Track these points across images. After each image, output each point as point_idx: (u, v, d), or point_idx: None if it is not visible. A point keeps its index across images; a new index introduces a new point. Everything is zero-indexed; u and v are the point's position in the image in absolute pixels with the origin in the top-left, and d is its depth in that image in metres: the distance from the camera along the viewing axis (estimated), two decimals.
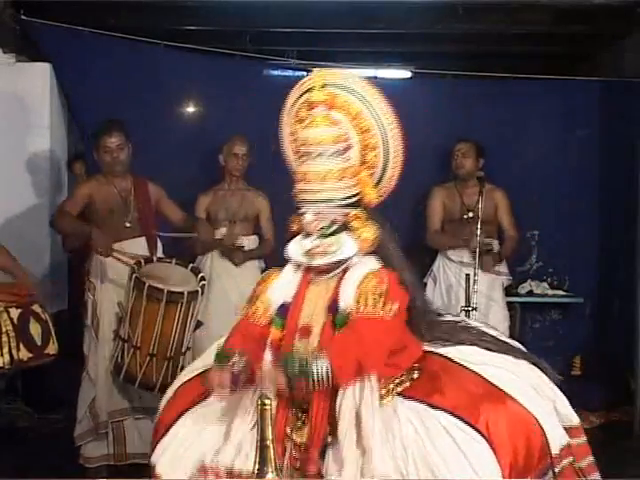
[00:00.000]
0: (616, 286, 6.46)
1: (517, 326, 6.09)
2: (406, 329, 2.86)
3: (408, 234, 6.06)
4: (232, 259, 5.49)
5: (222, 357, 2.77)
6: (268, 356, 2.77)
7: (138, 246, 5.02)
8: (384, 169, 2.90)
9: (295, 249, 2.86)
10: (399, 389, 2.80)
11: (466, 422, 2.67)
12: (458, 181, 5.77)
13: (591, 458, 2.98)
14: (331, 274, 2.83)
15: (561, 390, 2.97)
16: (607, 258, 6.60)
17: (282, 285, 2.89)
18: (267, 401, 2.41)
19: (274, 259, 5.44)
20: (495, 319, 5.67)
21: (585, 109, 6.61)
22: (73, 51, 6.13)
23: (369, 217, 2.84)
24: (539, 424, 2.76)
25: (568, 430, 2.92)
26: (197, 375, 3.07)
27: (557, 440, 2.81)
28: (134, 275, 4.64)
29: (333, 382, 2.61)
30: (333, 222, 2.79)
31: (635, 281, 5.96)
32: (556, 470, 2.79)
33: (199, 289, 4.74)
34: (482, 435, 2.65)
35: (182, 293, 4.65)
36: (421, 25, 6.47)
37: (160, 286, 4.63)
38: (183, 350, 4.75)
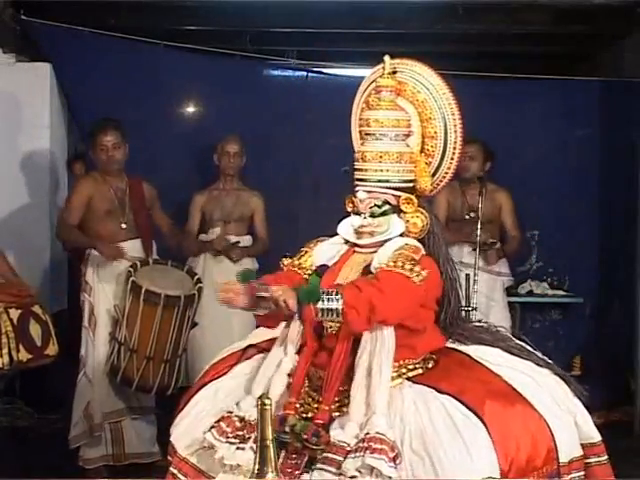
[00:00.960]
0: (616, 286, 6.46)
1: (517, 326, 6.09)
2: (431, 314, 2.87)
3: None
4: (229, 256, 5.48)
5: (246, 275, 2.71)
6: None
7: (133, 247, 5.02)
8: (441, 160, 2.93)
9: (345, 226, 2.89)
10: (410, 374, 2.80)
11: (469, 407, 2.65)
12: (462, 181, 5.76)
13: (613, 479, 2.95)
14: (375, 248, 2.84)
15: (585, 406, 2.95)
16: (607, 258, 6.60)
17: (329, 248, 2.91)
18: (267, 401, 2.41)
19: (268, 259, 5.46)
20: (496, 320, 5.62)
21: (585, 109, 6.60)
22: (73, 51, 6.13)
23: (421, 205, 2.86)
24: (549, 428, 2.73)
25: (587, 447, 2.89)
26: (229, 354, 3.09)
27: (568, 449, 2.77)
28: (131, 279, 4.64)
29: (343, 318, 2.60)
30: (385, 202, 2.81)
31: (635, 281, 5.96)
32: None
33: (196, 292, 4.73)
34: (483, 422, 2.63)
35: (179, 297, 4.66)
36: (421, 25, 6.47)
37: (157, 290, 4.63)
38: (179, 352, 4.75)
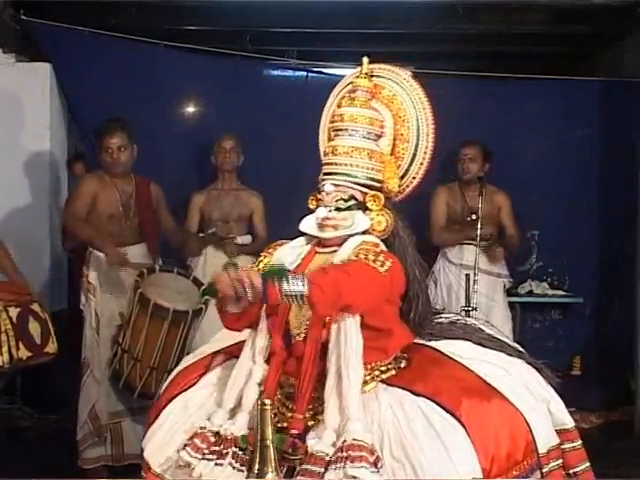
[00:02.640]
0: (616, 286, 6.47)
1: (517, 326, 6.09)
2: (396, 311, 2.85)
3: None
4: (225, 251, 5.49)
5: (210, 290, 2.64)
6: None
7: (138, 252, 5.01)
8: (410, 163, 2.92)
9: (308, 221, 2.86)
10: (384, 376, 2.78)
11: (445, 409, 2.64)
12: (462, 183, 5.76)
13: (587, 464, 2.94)
14: (336, 247, 2.82)
15: (558, 392, 2.95)
16: (607, 258, 6.60)
17: (289, 252, 2.88)
18: (267, 401, 2.41)
19: None
20: (497, 321, 5.66)
21: (585, 109, 6.60)
22: (73, 51, 6.13)
23: (387, 206, 2.84)
24: (526, 421, 2.72)
25: (561, 433, 2.88)
26: (195, 361, 3.06)
27: (545, 439, 2.77)
28: (139, 291, 4.60)
29: (308, 300, 2.53)
30: (351, 197, 2.80)
31: (635, 281, 5.96)
32: (544, 470, 2.75)
33: (203, 307, 4.68)
34: (460, 422, 2.62)
35: (187, 312, 4.63)
36: (421, 25, 6.47)
37: (166, 305, 4.59)
38: None
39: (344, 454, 2.53)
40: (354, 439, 2.55)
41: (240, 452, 2.69)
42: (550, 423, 2.83)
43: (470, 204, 5.63)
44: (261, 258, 2.92)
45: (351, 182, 2.80)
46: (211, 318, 4.74)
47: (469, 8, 6.14)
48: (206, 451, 2.70)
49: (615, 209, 6.47)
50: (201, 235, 5.56)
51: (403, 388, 2.73)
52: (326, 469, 2.54)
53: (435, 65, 6.80)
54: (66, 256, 6.30)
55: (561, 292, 6.68)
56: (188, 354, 4.68)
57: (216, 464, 2.67)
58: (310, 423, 2.71)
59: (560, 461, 2.84)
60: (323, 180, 2.85)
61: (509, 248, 5.76)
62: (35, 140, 6.18)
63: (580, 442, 2.91)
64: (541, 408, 2.83)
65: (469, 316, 4.95)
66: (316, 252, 2.88)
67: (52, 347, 4.46)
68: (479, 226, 5.18)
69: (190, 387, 2.95)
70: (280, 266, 2.59)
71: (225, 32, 6.67)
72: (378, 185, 2.84)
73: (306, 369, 2.69)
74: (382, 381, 2.77)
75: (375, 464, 2.53)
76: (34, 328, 4.40)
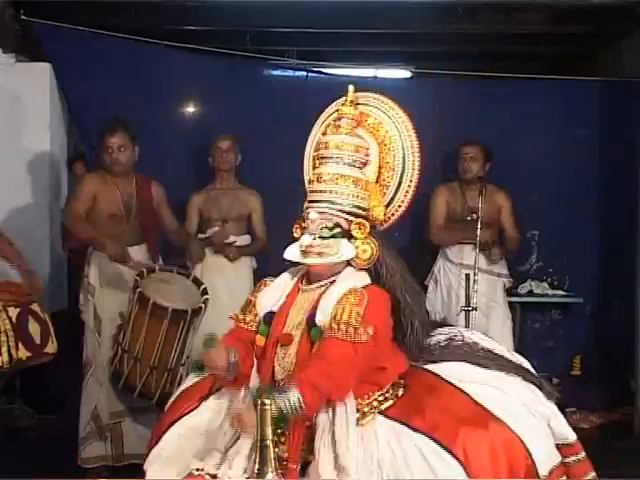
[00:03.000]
0: (616, 286, 6.46)
1: (517, 326, 6.09)
2: (389, 347, 2.85)
3: (410, 235, 6.08)
4: (226, 255, 5.49)
5: (210, 340, 2.72)
6: (243, 394, 2.75)
7: (138, 253, 5.00)
8: (396, 192, 2.91)
9: (292, 249, 2.85)
10: (382, 407, 2.79)
11: (443, 446, 2.66)
12: (462, 182, 5.76)
13: (593, 474, 2.95)
14: (321, 282, 2.82)
15: (559, 407, 2.95)
16: (607, 258, 6.59)
17: (272, 292, 2.89)
18: (267, 401, 2.41)
19: (266, 258, 5.46)
20: (497, 321, 5.69)
21: (585, 109, 6.60)
22: (73, 51, 6.13)
23: (372, 234, 2.83)
24: (525, 446, 2.73)
25: (564, 448, 2.89)
26: (197, 382, 3.07)
27: (546, 461, 2.78)
28: (138, 290, 4.60)
29: (303, 413, 2.60)
30: (336, 225, 2.79)
31: (635, 281, 5.96)
32: None
33: (202, 305, 4.69)
34: (458, 460, 2.64)
35: (186, 311, 4.63)
36: (421, 25, 6.47)
37: (164, 304, 4.58)
38: (183, 361, 4.72)
39: None
40: None
41: None
42: (551, 442, 2.84)
43: (470, 203, 5.62)
44: (248, 304, 2.93)
45: (336, 210, 2.79)
46: (211, 318, 4.75)
47: (469, 8, 6.14)
48: None
49: (615, 209, 6.47)
50: (200, 236, 5.55)
51: (401, 422, 2.74)
52: None
53: (435, 65, 6.81)
54: (66, 256, 6.29)
55: (561, 292, 6.67)
56: (188, 355, 4.74)
57: None
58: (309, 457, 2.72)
59: (564, 478, 2.85)
60: (308, 208, 2.83)
61: (508, 249, 5.77)
62: (35, 140, 6.17)
63: (584, 454, 2.92)
64: (541, 427, 2.84)
65: (468, 316, 4.96)
66: (299, 289, 2.87)
67: (52, 347, 4.46)
68: (479, 226, 5.17)
69: (190, 412, 2.96)
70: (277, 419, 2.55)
71: (225, 32, 6.67)
72: (363, 213, 2.83)
73: (295, 422, 2.67)
74: (380, 412, 2.78)
75: None
76: (34, 328, 4.40)
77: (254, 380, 2.82)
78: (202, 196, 5.62)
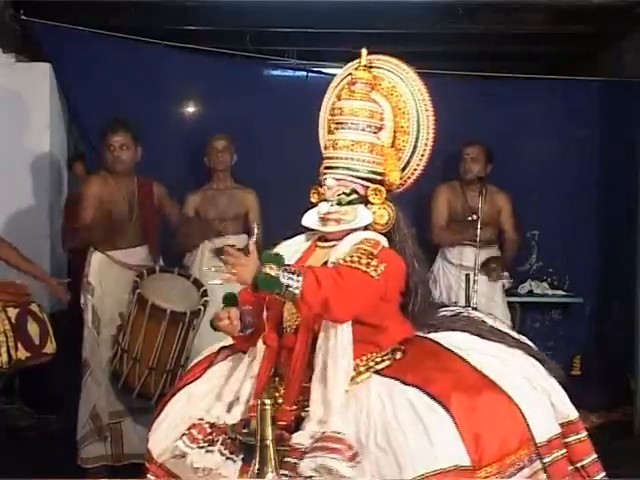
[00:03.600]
0: (616, 286, 6.46)
1: (517, 326, 6.09)
2: (395, 309, 2.86)
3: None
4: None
5: (230, 298, 2.78)
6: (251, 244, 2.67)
7: (140, 254, 5.01)
8: (411, 155, 2.92)
9: (310, 216, 2.87)
10: (378, 367, 2.79)
11: (434, 399, 2.64)
12: (463, 182, 5.77)
13: (594, 456, 2.93)
14: (337, 240, 2.83)
15: (562, 385, 2.94)
16: (607, 258, 6.60)
17: (289, 248, 2.89)
18: (267, 401, 2.41)
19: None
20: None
21: (585, 109, 6.60)
22: (73, 51, 6.13)
23: (389, 199, 2.84)
24: (520, 411, 2.71)
25: (565, 426, 2.88)
26: (203, 358, 3.10)
27: (544, 429, 2.76)
28: (137, 291, 4.61)
29: (295, 306, 2.61)
30: (353, 191, 2.80)
31: (635, 281, 5.96)
32: (545, 460, 2.74)
33: (201, 307, 4.69)
34: (449, 412, 2.61)
35: (185, 313, 4.63)
36: (421, 25, 6.47)
37: (163, 306, 4.59)
38: (182, 362, 4.72)
39: (321, 444, 2.54)
40: (333, 431, 2.56)
41: (229, 440, 2.71)
42: (551, 414, 2.82)
43: (471, 204, 5.63)
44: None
45: (352, 176, 2.81)
46: (207, 315, 4.75)
47: (469, 8, 6.14)
48: (202, 441, 2.73)
49: (615, 209, 6.47)
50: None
51: (394, 378, 2.73)
52: (301, 459, 2.55)
53: (435, 65, 6.78)
54: (66, 256, 6.29)
55: (561, 292, 6.67)
56: (188, 356, 4.74)
57: (207, 451, 2.69)
58: (303, 414, 2.72)
59: (564, 451, 2.83)
60: (324, 174, 2.85)
61: (508, 253, 5.77)
62: (35, 140, 6.17)
63: (585, 434, 2.91)
64: (540, 399, 2.82)
65: None
66: (316, 246, 2.89)
67: (51, 347, 4.46)
68: (479, 226, 5.18)
69: (194, 380, 2.98)
70: (276, 279, 2.53)
71: (225, 32, 6.67)
72: (379, 178, 2.84)
73: (295, 361, 2.71)
74: (376, 372, 2.77)
75: (352, 458, 2.53)
76: (33, 329, 4.40)
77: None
78: (199, 196, 5.62)
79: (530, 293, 6.60)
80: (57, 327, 4.58)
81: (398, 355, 2.83)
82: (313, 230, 2.91)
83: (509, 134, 6.46)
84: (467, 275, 5.17)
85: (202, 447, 2.71)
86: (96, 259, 4.96)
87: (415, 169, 2.94)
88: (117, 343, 4.78)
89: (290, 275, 2.53)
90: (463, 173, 5.72)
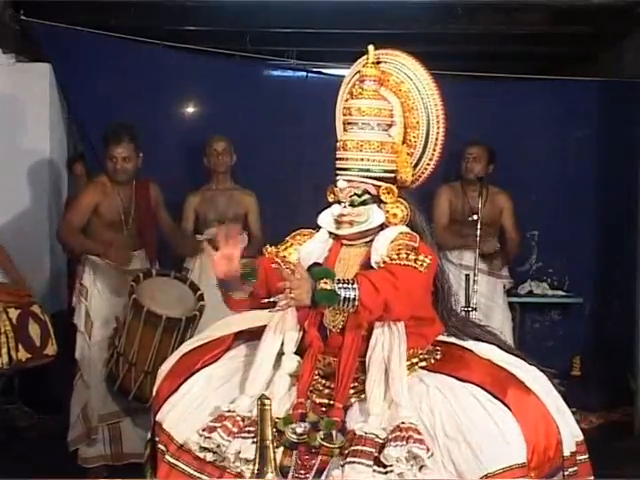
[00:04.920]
0: (616, 286, 6.46)
1: (517, 326, 6.09)
2: (431, 300, 2.88)
3: None
4: None
5: (250, 270, 2.71)
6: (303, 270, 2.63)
7: (137, 258, 5.00)
8: (423, 151, 2.92)
9: (325, 216, 2.87)
10: (422, 364, 2.81)
11: (494, 395, 2.67)
12: (464, 182, 5.78)
13: (591, 478, 2.95)
14: (367, 239, 2.83)
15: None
16: (607, 258, 6.59)
17: (316, 247, 2.87)
18: (267, 401, 2.40)
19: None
20: (497, 321, 5.68)
21: (585, 109, 6.60)
22: (73, 51, 6.13)
23: (401, 196, 2.84)
24: (555, 422, 2.75)
25: (577, 445, 2.89)
26: (199, 346, 3.04)
27: (568, 443, 2.79)
28: (133, 296, 4.59)
29: (355, 314, 2.61)
30: (365, 192, 2.80)
31: (635, 281, 5.96)
32: (565, 473, 2.78)
33: (197, 313, 4.66)
34: (509, 409, 2.65)
35: (180, 319, 4.61)
36: (421, 26, 6.46)
37: (158, 312, 4.57)
38: None
39: (404, 434, 2.55)
40: (411, 422, 2.59)
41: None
42: (569, 430, 2.84)
43: (472, 204, 5.63)
44: (286, 245, 2.93)
45: (363, 177, 2.81)
46: (211, 317, 4.75)
47: (469, 8, 6.15)
48: (237, 434, 2.68)
49: (615, 209, 6.47)
50: (198, 238, 5.55)
51: (447, 374, 2.76)
52: (379, 449, 2.56)
53: (434, 65, 6.74)
54: (66, 257, 6.29)
55: (561, 292, 6.67)
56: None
57: (253, 442, 2.59)
58: (350, 404, 2.72)
59: (576, 468, 2.84)
60: (337, 175, 2.85)
61: (509, 253, 5.77)
62: (35, 140, 6.17)
63: (587, 456, 2.92)
64: (564, 413, 2.85)
65: (468, 317, 4.96)
66: (342, 244, 2.88)
67: (52, 349, 4.46)
68: (479, 226, 5.18)
69: (213, 362, 2.93)
70: (332, 292, 2.55)
71: (225, 32, 6.67)
72: (391, 176, 2.84)
73: (346, 361, 2.71)
74: (422, 368, 2.80)
75: (429, 449, 2.57)
76: (34, 330, 4.40)
77: (292, 328, 2.80)
78: (198, 197, 5.62)
79: (530, 293, 6.60)
80: (57, 328, 4.58)
81: (438, 355, 2.86)
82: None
83: (509, 134, 6.46)
84: (467, 275, 5.17)
85: (245, 437, 2.65)
86: (90, 262, 4.96)
87: (428, 164, 2.94)
88: (113, 346, 4.76)
89: (346, 286, 2.55)
90: (465, 172, 5.73)
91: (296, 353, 2.83)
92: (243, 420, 2.73)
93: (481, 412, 2.64)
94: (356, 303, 2.54)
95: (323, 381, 2.81)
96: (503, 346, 3.01)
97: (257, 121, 6.25)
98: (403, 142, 2.90)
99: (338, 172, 2.84)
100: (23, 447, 5.34)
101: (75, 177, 6.34)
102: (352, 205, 2.79)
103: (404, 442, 2.53)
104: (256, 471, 2.36)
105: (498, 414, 2.64)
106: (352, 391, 2.75)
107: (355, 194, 2.80)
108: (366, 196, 2.80)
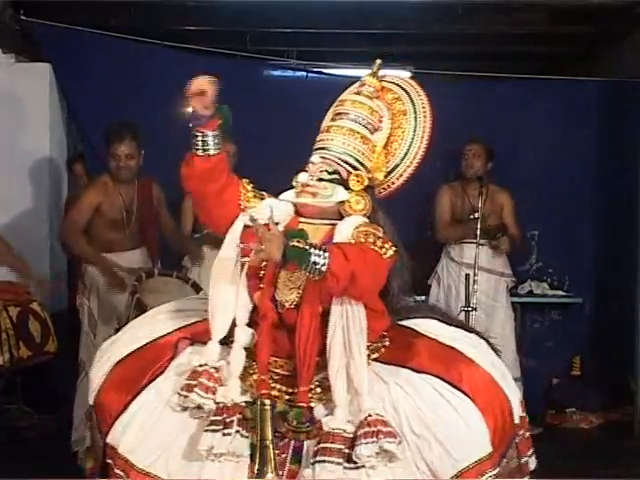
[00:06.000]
0: (616, 286, 6.46)
1: (517, 326, 6.09)
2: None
3: (411, 235, 6.08)
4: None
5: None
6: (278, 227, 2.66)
7: (138, 257, 5.01)
8: (399, 163, 2.95)
9: (291, 191, 2.90)
10: (374, 356, 2.80)
11: (451, 384, 2.69)
12: (464, 181, 5.79)
13: (533, 456, 2.98)
14: (327, 221, 2.83)
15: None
16: (607, 258, 6.59)
17: (279, 213, 2.84)
18: (267, 402, 2.41)
19: None
20: (499, 321, 5.71)
21: (585, 109, 6.60)
22: (73, 51, 6.13)
23: (367, 192, 2.85)
24: (504, 392, 2.78)
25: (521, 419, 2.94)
26: (136, 353, 2.92)
27: (516, 408, 2.83)
28: (135, 296, 4.58)
29: (321, 281, 2.58)
30: (335, 172, 2.82)
31: (635, 281, 5.96)
32: (516, 440, 2.83)
33: None
34: (468, 397, 2.67)
35: None
36: (420, 25, 6.47)
37: None
38: None
39: (373, 429, 2.55)
40: (377, 414, 2.58)
41: (245, 420, 2.63)
42: (514, 394, 2.86)
43: (473, 202, 5.64)
44: (259, 196, 2.97)
45: (338, 158, 2.82)
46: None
47: (469, 8, 6.14)
48: (215, 388, 2.65)
49: (615, 209, 6.47)
50: (196, 236, 5.55)
51: (400, 365, 2.75)
52: (348, 446, 2.55)
53: (434, 65, 6.80)
54: (66, 256, 6.29)
55: (561, 292, 6.67)
56: None
57: (224, 434, 2.58)
58: (313, 397, 2.70)
59: (527, 432, 2.91)
60: (313, 154, 2.87)
61: (512, 250, 5.78)
62: (35, 140, 6.17)
63: (529, 434, 2.96)
64: (507, 377, 2.89)
65: (468, 317, 4.96)
66: (299, 222, 2.86)
67: (52, 346, 4.47)
68: (478, 226, 5.20)
69: (160, 373, 2.83)
70: (304, 251, 2.54)
71: (225, 32, 6.67)
72: (364, 171, 2.85)
73: (306, 339, 2.66)
74: (375, 360, 2.79)
75: (400, 441, 2.59)
76: (34, 327, 4.41)
77: (243, 297, 2.75)
78: None
79: (530, 293, 6.60)
80: (58, 326, 4.58)
81: (386, 342, 2.86)
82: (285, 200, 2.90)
83: (508, 134, 6.45)
84: (467, 275, 5.17)
85: (217, 430, 2.59)
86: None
87: (399, 177, 2.96)
88: None
89: (317, 252, 2.54)
90: (465, 169, 5.75)
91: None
92: (217, 370, 2.68)
93: (445, 406, 2.65)
94: (324, 269, 2.52)
95: (280, 361, 2.76)
96: (442, 318, 3.04)
97: (256, 121, 6.24)
98: (384, 148, 2.93)
99: (315, 152, 2.88)
100: (23, 447, 5.33)
101: (75, 177, 6.34)
102: (320, 180, 2.81)
103: (374, 438, 2.53)
104: (256, 471, 2.37)
105: (461, 406, 2.65)
106: (315, 386, 2.71)
107: (326, 170, 2.81)
108: (335, 176, 2.81)
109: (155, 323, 3.04)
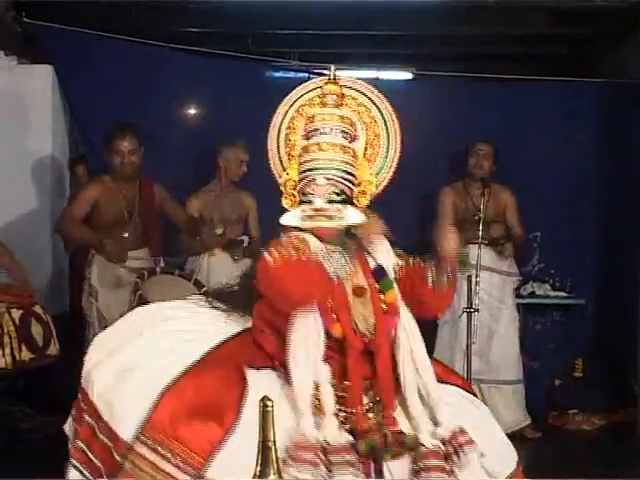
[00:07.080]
0: (618, 287, 6.45)
1: (520, 327, 6.09)
2: None
3: (412, 236, 6.07)
4: (232, 255, 5.48)
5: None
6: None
7: (141, 256, 5.03)
8: (381, 167, 2.96)
9: (293, 215, 2.86)
10: None
11: (474, 394, 2.96)
12: (467, 182, 5.79)
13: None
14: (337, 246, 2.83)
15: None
16: (609, 259, 6.59)
17: (319, 247, 2.79)
18: (269, 402, 2.40)
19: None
20: (505, 321, 5.71)
21: (586, 111, 6.60)
22: (75, 53, 6.14)
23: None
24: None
25: None
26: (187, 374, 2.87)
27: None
28: (138, 292, 4.61)
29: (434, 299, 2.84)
30: (342, 192, 2.82)
31: (637, 283, 5.95)
32: None
33: None
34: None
35: None
36: (422, 27, 6.48)
37: None
38: None
39: (466, 439, 2.69)
40: (459, 427, 2.71)
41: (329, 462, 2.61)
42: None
43: (476, 203, 5.65)
44: (294, 245, 2.73)
45: (341, 177, 2.82)
46: None
47: (470, 10, 6.15)
48: (318, 460, 2.60)
49: (617, 210, 6.46)
50: (218, 232, 5.55)
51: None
52: (446, 459, 2.66)
53: (437, 67, 6.81)
54: (67, 258, 6.30)
55: (563, 294, 6.67)
56: None
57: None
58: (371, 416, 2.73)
59: None
60: (309, 175, 2.84)
61: (516, 248, 5.79)
62: (37, 142, 6.18)
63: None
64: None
65: (470, 318, 4.96)
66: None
67: (54, 349, 4.47)
68: (481, 227, 5.19)
69: (232, 432, 2.68)
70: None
71: (227, 34, 6.69)
72: (358, 183, 2.88)
73: (387, 364, 2.74)
74: None
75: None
76: (36, 330, 4.40)
77: (316, 335, 2.71)
78: (200, 199, 5.62)
79: (532, 295, 6.59)
80: (59, 329, 4.58)
81: None
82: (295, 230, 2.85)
83: (510, 136, 6.45)
84: (469, 276, 5.17)
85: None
86: (97, 261, 4.96)
87: (384, 178, 2.97)
88: None
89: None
90: (473, 169, 5.74)
91: None
92: (325, 449, 2.62)
93: (478, 416, 2.83)
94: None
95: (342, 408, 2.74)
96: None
97: (259, 122, 6.23)
98: (363, 155, 2.94)
99: (312, 173, 2.83)
100: (25, 449, 5.34)
101: (77, 178, 6.35)
102: (331, 202, 2.80)
103: (463, 449, 2.66)
104: (258, 472, 2.36)
105: (487, 415, 2.87)
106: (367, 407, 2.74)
107: (334, 192, 2.80)
108: (343, 196, 2.82)
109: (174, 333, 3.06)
